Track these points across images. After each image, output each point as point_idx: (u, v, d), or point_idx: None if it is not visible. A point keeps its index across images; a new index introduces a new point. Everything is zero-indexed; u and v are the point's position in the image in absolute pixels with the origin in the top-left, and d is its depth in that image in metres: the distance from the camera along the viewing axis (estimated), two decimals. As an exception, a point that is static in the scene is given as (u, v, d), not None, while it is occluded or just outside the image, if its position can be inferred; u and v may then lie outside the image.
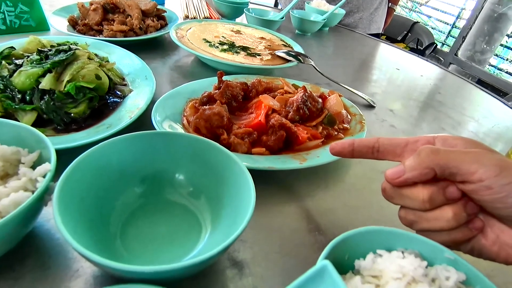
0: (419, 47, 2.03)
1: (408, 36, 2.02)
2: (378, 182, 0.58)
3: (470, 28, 2.36)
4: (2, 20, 0.75)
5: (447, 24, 4.02)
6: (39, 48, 0.54)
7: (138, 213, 0.37)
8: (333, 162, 0.53)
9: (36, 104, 0.49)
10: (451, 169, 0.30)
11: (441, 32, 4.22)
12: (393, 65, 1.26)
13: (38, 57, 0.52)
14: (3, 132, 0.36)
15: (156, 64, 0.81)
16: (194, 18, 1.17)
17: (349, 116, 0.67)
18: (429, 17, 4.94)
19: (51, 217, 0.38)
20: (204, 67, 0.83)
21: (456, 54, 2.49)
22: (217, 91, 0.59)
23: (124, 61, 0.68)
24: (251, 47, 0.86)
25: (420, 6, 5.07)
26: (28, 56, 0.53)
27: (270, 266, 0.39)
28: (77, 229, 0.29)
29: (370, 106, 0.84)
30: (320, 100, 0.63)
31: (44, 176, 0.32)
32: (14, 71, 0.51)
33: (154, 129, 0.50)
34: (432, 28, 3.59)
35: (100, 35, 0.82)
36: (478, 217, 0.32)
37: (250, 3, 1.27)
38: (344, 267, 0.32)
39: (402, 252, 0.31)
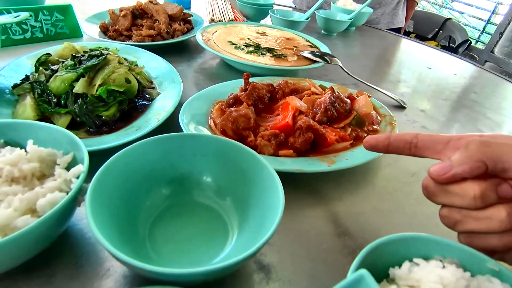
0: (451, 44, 1.94)
1: (439, 33, 1.94)
2: (410, 185, 0.56)
3: (509, 24, 2.23)
4: (39, 29, 0.79)
5: (481, 20, 3.83)
6: (73, 54, 0.56)
7: (166, 214, 0.38)
8: (362, 165, 0.51)
9: (70, 107, 0.51)
10: (504, 163, 0.27)
11: (474, 28, 4.02)
12: (424, 63, 1.21)
13: (72, 62, 0.54)
14: (41, 134, 0.37)
15: (182, 67, 0.82)
16: (220, 21, 1.18)
17: (379, 118, 0.64)
18: (461, 13, 4.73)
19: (84, 217, 0.39)
20: (229, 69, 0.84)
21: (492, 51, 2.36)
22: (243, 93, 0.59)
23: (152, 64, 0.70)
24: (276, 49, 0.85)
25: (451, 2, 4.86)
26: (63, 62, 0.56)
27: (298, 270, 0.38)
28: (108, 229, 0.30)
29: (400, 107, 0.81)
30: (348, 101, 0.62)
31: (77, 177, 0.33)
32: (51, 76, 0.54)
33: (181, 131, 0.51)
34: (464, 25, 3.43)
35: (129, 40, 0.85)
36: None
37: (275, 4, 1.26)
38: (377, 275, 0.30)
39: (441, 261, 0.29)
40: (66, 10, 0.83)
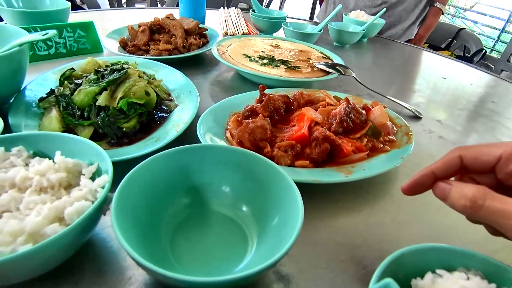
0: (466, 54, 1.92)
1: (453, 43, 1.92)
2: (428, 196, 0.54)
3: (524, 32, 2.19)
4: (63, 45, 0.83)
5: (496, 29, 3.79)
6: (96, 68, 0.58)
7: (186, 223, 0.38)
8: (379, 175, 0.51)
9: (93, 119, 0.53)
10: None
11: (489, 37, 3.98)
12: (438, 73, 1.20)
13: (95, 76, 0.56)
14: (67, 146, 0.39)
15: (198, 80, 0.84)
16: (233, 34, 1.21)
17: (394, 128, 0.64)
18: (475, 22, 4.69)
19: (106, 226, 0.41)
20: (244, 82, 0.85)
21: (508, 60, 2.32)
22: (259, 104, 0.60)
23: (170, 77, 0.72)
24: (290, 61, 0.87)
25: (464, 11, 4.83)
26: (87, 76, 0.58)
27: (318, 281, 0.38)
28: (132, 238, 0.31)
29: (416, 117, 0.80)
30: (363, 111, 0.62)
31: (103, 187, 0.34)
32: (75, 90, 0.56)
33: (199, 142, 0.52)
34: (478, 34, 3.39)
35: (147, 54, 0.87)
36: None
37: (288, 17, 1.29)
38: (399, 286, 0.30)
39: (465, 273, 0.29)
40: (88, 27, 0.87)
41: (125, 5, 2.55)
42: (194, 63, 0.93)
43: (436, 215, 0.51)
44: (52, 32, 0.54)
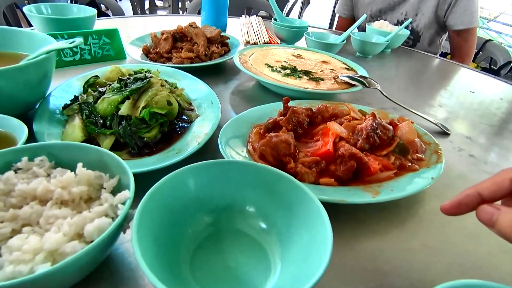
0: (492, 66, 1.85)
1: (479, 54, 1.86)
2: (460, 220, 0.51)
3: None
4: (88, 51, 0.84)
5: (523, 40, 3.65)
6: (120, 77, 0.58)
7: (207, 242, 0.37)
8: (406, 196, 0.48)
9: (115, 128, 0.52)
10: None
11: (515, 49, 3.85)
12: (466, 87, 1.15)
13: (119, 85, 0.56)
14: (90, 157, 0.38)
15: (219, 89, 0.83)
16: (255, 43, 1.20)
17: (423, 145, 0.61)
18: (499, 33, 4.55)
19: (124, 241, 0.39)
20: (265, 92, 0.84)
21: (537, 74, 2.22)
22: (282, 117, 0.58)
23: (191, 86, 0.71)
24: (313, 71, 0.85)
25: (488, 22, 4.71)
26: (110, 84, 0.58)
27: (344, 312, 0.35)
28: (151, 258, 0.29)
29: (443, 133, 0.77)
30: (390, 127, 0.59)
31: (124, 203, 0.33)
32: (98, 98, 0.56)
33: (220, 154, 0.50)
34: (506, 46, 3.29)
35: (169, 62, 0.87)
36: None
37: (310, 26, 1.27)
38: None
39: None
40: (112, 34, 0.88)
41: (147, 12, 2.59)
42: (215, 71, 0.92)
43: (469, 242, 0.47)
44: (78, 40, 0.54)
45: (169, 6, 3.29)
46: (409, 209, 0.52)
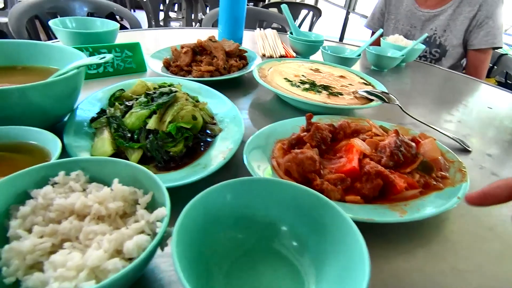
0: (508, 81, 1.84)
1: (493, 69, 1.85)
2: (487, 241, 0.51)
3: None
4: (111, 64, 0.86)
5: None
6: (147, 92, 0.60)
7: (240, 260, 0.37)
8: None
9: (142, 142, 0.53)
10: None
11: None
12: (483, 102, 1.15)
13: (146, 99, 0.57)
14: (124, 172, 0.39)
15: (238, 102, 0.84)
16: (271, 56, 1.21)
17: (446, 163, 0.61)
18: (510, 46, 4.52)
19: (156, 256, 0.40)
20: (284, 106, 0.84)
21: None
22: (305, 133, 0.59)
23: (213, 100, 0.72)
24: (331, 86, 0.85)
25: (500, 35, 4.68)
26: (137, 99, 0.59)
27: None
28: (190, 277, 0.29)
29: (464, 150, 0.76)
30: (413, 144, 0.59)
31: (161, 221, 0.33)
32: (125, 111, 0.57)
33: (244, 169, 0.51)
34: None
35: (189, 75, 0.89)
36: None
37: (325, 40, 1.28)
38: None
39: None
40: (135, 47, 0.90)
41: (161, 23, 2.65)
42: (234, 85, 0.93)
43: (498, 265, 0.47)
44: (109, 56, 0.56)
45: (183, 17, 3.36)
46: (434, 229, 0.52)
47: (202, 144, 0.59)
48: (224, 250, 0.37)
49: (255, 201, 0.38)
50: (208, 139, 0.60)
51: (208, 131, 0.62)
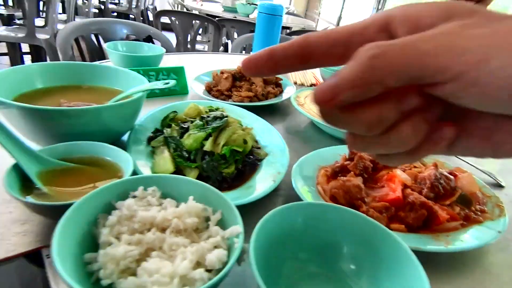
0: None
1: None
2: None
3: None
4: (159, 86, 0.92)
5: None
6: (201, 115, 0.65)
7: (301, 282, 0.40)
8: (476, 248, 0.50)
9: (198, 163, 0.57)
10: (410, 73, 0.19)
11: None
12: None
13: (201, 122, 0.62)
14: (195, 191, 0.43)
15: (275, 127, 0.88)
16: (302, 84, 1.27)
17: (484, 198, 0.63)
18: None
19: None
20: (319, 133, 0.88)
21: None
22: (348, 162, 0.62)
23: (256, 125, 0.76)
24: (366, 117, 0.89)
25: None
26: (192, 121, 0.64)
27: None
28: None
29: (497, 186, 0.78)
30: (452, 177, 0.62)
31: (237, 237, 0.37)
32: (182, 133, 0.62)
33: (291, 192, 0.54)
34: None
35: (229, 99, 0.94)
36: (446, 121, 0.22)
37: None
38: None
39: None
40: (179, 71, 0.96)
41: (189, 45, 2.77)
42: (270, 111, 0.98)
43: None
44: (172, 82, 0.62)
45: (208, 41, 3.50)
46: (475, 261, 0.53)
47: (249, 167, 0.63)
48: (286, 271, 0.40)
49: (320, 224, 0.41)
50: (256, 163, 0.64)
51: (254, 155, 0.66)
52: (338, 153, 0.69)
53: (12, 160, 0.45)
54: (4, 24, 3.13)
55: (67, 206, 0.39)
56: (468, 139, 0.22)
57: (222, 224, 0.41)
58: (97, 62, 0.93)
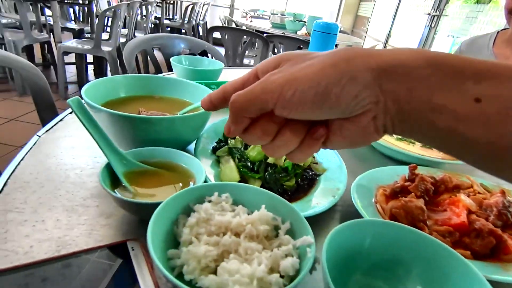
0: None
1: None
2: None
3: None
4: (217, 99, 0.98)
5: None
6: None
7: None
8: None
9: (261, 174, 0.60)
10: (254, 106, 0.30)
11: None
12: None
13: (264, 136, 0.65)
14: (263, 199, 0.46)
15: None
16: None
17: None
18: None
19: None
20: (374, 153, 0.88)
21: None
22: (409, 183, 0.62)
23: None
24: (424, 138, 0.87)
25: None
26: (255, 134, 0.67)
27: None
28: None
29: None
30: (521, 206, 0.59)
31: (309, 247, 0.39)
32: (245, 144, 0.65)
33: (350, 209, 0.55)
34: None
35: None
36: (321, 125, 0.31)
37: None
38: None
39: None
40: (238, 85, 1.01)
41: (238, 60, 2.88)
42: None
43: None
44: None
45: (255, 56, 3.61)
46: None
47: (307, 182, 0.65)
48: (354, 285, 0.41)
49: (388, 242, 0.42)
50: (315, 178, 0.66)
51: (312, 170, 0.68)
52: (395, 173, 0.69)
53: (104, 160, 0.51)
54: (74, 37, 3.48)
55: (151, 205, 0.44)
56: (334, 136, 0.31)
57: (291, 233, 0.43)
58: (165, 75, 1.01)
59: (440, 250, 0.40)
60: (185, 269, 0.37)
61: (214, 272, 0.37)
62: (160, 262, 0.36)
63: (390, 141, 0.82)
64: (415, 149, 0.81)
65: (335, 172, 0.67)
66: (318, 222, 0.56)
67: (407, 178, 0.64)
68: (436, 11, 4.03)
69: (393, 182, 0.64)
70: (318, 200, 0.58)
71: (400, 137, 0.86)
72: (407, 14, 5.14)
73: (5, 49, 2.79)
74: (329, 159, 0.72)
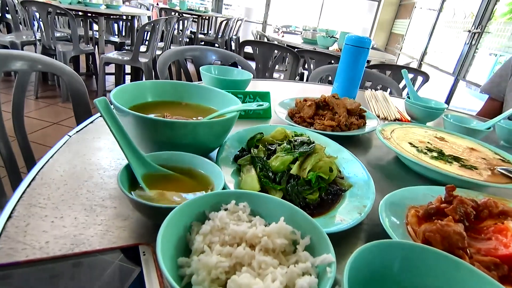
0: None
1: None
2: None
3: None
4: (245, 108, 0.97)
5: None
6: (289, 139, 0.65)
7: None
8: None
9: (283, 185, 0.57)
10: None
11: None
12: None
13: (289, 146, 0.63)
14: (282, 211, 0.43)
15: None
16: (385, 118, 1.21)
17: None
18: None
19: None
20: (406, 171, 0.82)
21: None
22: (445, 204, 0.56)
23: (338, 154, 0.74)
24: (463, 158, 0.81)
25: None
26: (279, 144, 0.65)
27: None
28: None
29: None
30: None
31: (329, 266, 0.35)
32: (268, 154, 0.63)
33: (376, 228, 0.50)
34: None
35: (311, 127, 0.94)
36: None
37: (446, 109, 1.23)
38: None
39: None
40: (265, 95, 1.00)
41: (267, 73, 2.90)
42: (352, 142, 0.95)
43: None
44: (266, 105, 0.64)
45: (285, 70, 3.62)
46: None
47: (331, 197, 0.61)
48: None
49: (419, 268, 0.38)
50: (339, 193, 0.62)
51: (337, 185, 0.64)
52: (429, 193, 0.63)
53: (124, 161, 0.51)
54: (116, 49, 3.69)
55: (165, 208, 0.43)
56: None
57: (310, 249, 0.39)
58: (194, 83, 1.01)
59: (485, 285, 0.35)
60: (194, 279, 0.35)
61: (224, 285, 0.35)
62: (169, 269, 0.34)
63: (424, 159, 0.77)
64: (453, 168, 0.74)
65: (362, 188, 0.62)
66: (340, 240, 0.51)
67: (443, 199, 0.58)
68: (477, 28, 3.85)
69: (427, 203, 0.59)
70: (343, 217, 0.54)
71: (435, 155, 0.80)
72: (444, 31, 4.97)
73: (56, 59, 3.01)
74: (356, 174, 0.68)
